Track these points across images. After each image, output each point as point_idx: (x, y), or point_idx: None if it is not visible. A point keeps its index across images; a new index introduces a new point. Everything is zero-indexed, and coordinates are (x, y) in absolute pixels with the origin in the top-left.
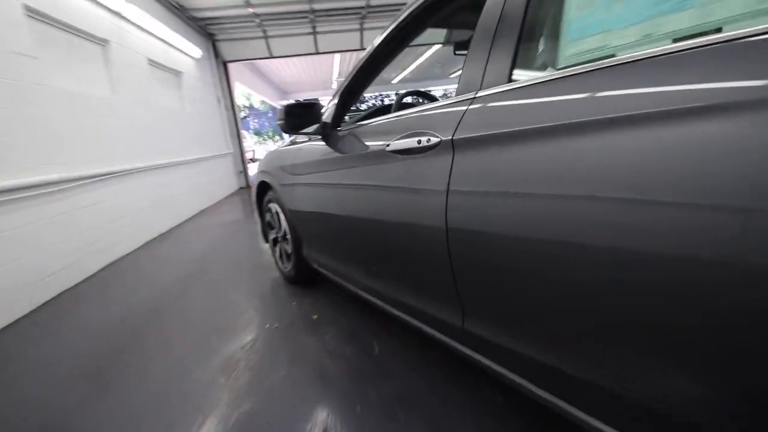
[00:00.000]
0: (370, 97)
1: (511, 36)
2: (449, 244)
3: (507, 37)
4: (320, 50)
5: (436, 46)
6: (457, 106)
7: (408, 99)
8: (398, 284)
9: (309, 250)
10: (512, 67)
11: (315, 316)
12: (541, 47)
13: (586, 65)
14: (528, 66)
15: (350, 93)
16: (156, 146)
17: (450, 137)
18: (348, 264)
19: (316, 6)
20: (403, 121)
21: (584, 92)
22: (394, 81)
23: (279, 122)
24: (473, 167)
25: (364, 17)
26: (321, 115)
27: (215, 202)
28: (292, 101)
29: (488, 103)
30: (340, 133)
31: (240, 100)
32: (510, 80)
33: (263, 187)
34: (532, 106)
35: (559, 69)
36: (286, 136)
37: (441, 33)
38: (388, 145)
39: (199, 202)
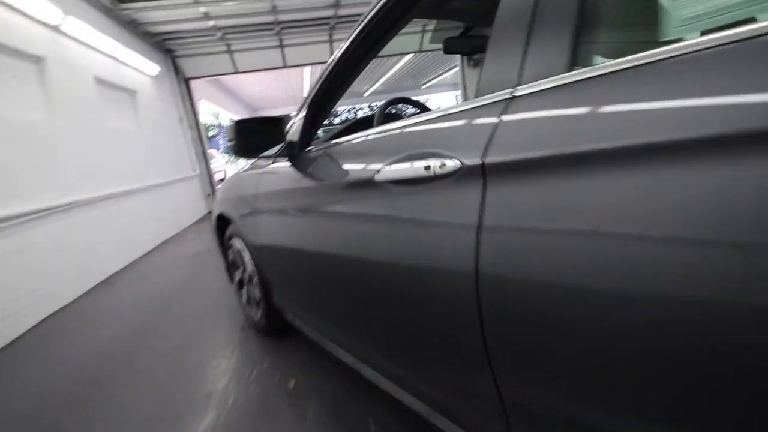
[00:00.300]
0: (343, 110)
1: None
2: (481, 299)
3: None
4: (288, 63)
5: (408, 56)
6: (481, 114)
7: (393, 110)
8: (401, 355)
9: (280, 297)
10: (574, 46)
11: (292, 382)
12: (623, 10)
13: (717, 36)
14: (602, 41)
15: (321, 103)
16: (107, 174)
17: (478, 161)
18: (329, 320)
19: (282, 17)
20: (394, 137)
21: (710, 85)
22: (366, 94)
23: (229, 143)
24: (523, 200)
25: (332, 28)
26: (285, 132)
27: (181, 230)
28: (246, 116)
29: (535, 109)
30: (311, 154)
31: (207, 119)
32: (572, 67)
33: (223, 221)
34: (615, 110)
35: (662, 44)
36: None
37: (415, 41)
38: (378, 171)
39: (162, 232)
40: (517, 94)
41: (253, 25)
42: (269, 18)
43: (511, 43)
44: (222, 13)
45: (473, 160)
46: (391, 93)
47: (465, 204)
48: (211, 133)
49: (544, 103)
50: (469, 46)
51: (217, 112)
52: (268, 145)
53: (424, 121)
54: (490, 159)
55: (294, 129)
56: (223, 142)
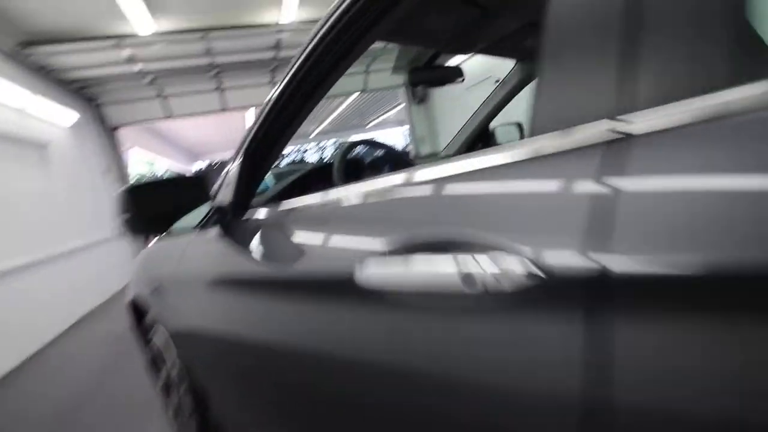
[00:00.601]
0: (288, 152)
1: None
2: None
3: None
4: (229, 106)
5: (354, 96)
6: (559, 170)
7: (371, 156)
8: None
9: (222, 413)
10: (742, 35)
11: None
12: None
13: None
14: None
15: (260, 154)
16: (6, 244)
17: (583, 266)
18: None
19: (219, 60)
20: (381, 205)
21: None
22: (312, 135)
23: (122, 218)
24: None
25: (274, 70)
26: (212, 194)
27: (106, 299)
28: (147, 178)
29: (678, 160)
30: (250, 222)
31: (140, 168)
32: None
33: (139, 308)
34: None
35: None
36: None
37: (359, 81)
38: (361, 264)
39: (80, 306)
40: (629, 129)
41: (186, 68)
42: (204, 60)
43: (597, 33)
44: (149, 56)
45: (567, 265)
46: (338, 132)
47: (553, 339)
48: None
49: (701, 144)
50: (436, 76)
51: (152, 161)
52: (186, 210)
53: (432, 179)
54: (607, 261)
55: (226, 189)
56: None
